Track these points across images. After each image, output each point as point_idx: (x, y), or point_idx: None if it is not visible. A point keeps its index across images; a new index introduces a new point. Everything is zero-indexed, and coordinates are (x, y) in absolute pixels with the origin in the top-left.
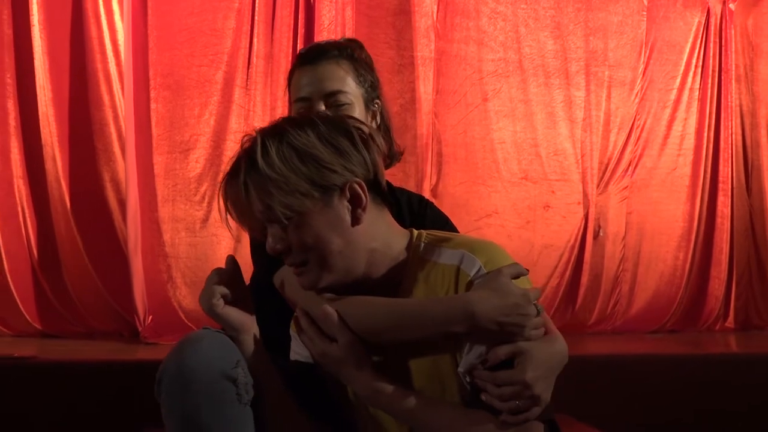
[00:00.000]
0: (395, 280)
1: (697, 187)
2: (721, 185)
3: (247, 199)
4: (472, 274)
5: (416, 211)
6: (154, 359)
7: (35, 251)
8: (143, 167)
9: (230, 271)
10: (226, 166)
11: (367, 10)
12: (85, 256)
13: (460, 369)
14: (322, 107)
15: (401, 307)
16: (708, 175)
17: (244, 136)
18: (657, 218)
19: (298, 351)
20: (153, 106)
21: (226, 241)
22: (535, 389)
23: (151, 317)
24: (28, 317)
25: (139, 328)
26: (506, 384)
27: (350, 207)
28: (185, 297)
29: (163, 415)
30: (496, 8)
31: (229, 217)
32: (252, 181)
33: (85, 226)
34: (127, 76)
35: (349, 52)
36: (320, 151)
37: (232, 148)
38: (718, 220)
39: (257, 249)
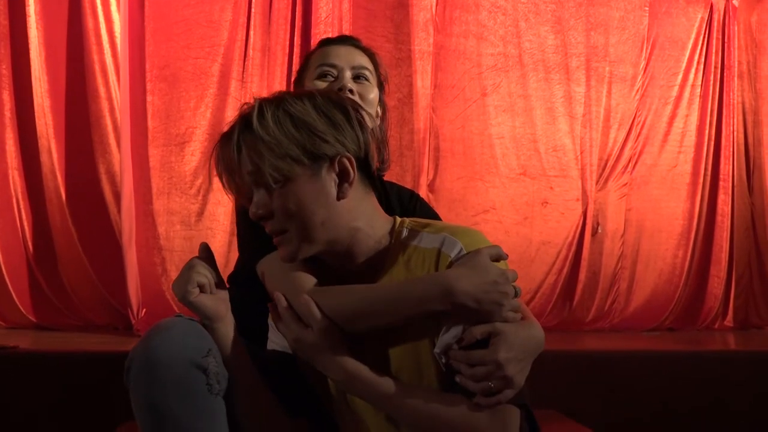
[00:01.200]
0: (377, 266)
1: (698, 185)
2: (721, 183)
3: (238, 160)
4: (452, 255)
5: (406, 206)
6: None
7: (30, 243)
8: (138, 160)
9: (204, 259)
10: None
11: (365, 2)
12: (79, 249)
13: (436, 350)
14: (349, 75)
15: (380, 289)
16: (709, 173)
17: (243, 104)
18: (656, 215)
19: (275, 341)
20: (149, 98)
21: (221, 234)
22: (508, 370)
23: (144, 310)
24: (22, 309)
25: (133, 321)
26: (479, 363)
27: (337, 180)
28: None
29: (132, 404)
30: (496, 2)
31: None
32: (245, 141)
33: (80, 218)
34: (123, 67)
35: (372, 53)
36: (314, 119)
37: None
38: (719, 218)
39: (244, 237)
